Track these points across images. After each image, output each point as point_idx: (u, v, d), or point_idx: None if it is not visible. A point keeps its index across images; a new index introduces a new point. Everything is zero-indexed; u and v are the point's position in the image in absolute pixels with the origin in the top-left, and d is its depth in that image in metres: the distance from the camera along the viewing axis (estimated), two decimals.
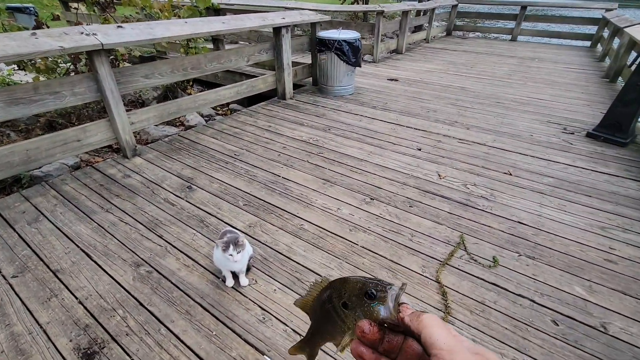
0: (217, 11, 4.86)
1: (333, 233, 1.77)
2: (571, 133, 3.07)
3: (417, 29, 8.77)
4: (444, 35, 9.10)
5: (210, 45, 5.56)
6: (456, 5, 8.77)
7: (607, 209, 2.01)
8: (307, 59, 4.41)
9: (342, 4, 11.61)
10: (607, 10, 7.11)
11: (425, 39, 7.91)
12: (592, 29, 7.64)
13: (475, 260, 1.61)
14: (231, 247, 1.33)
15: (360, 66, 3.97)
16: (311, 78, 4.39)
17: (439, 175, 2.33)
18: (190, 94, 5.03)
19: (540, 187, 2.22)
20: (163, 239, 1.70)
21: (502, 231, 1.81)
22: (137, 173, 2.29)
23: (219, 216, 1.88)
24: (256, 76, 3.82)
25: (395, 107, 3.65)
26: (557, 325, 1.31)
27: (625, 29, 4.40)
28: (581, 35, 7.89)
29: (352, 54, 3.72)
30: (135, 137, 3.40)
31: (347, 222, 1.86)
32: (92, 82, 2.16)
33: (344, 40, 3.62)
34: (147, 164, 2.41)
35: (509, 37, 8.42)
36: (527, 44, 7.99)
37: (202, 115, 4.56)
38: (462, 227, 1.84)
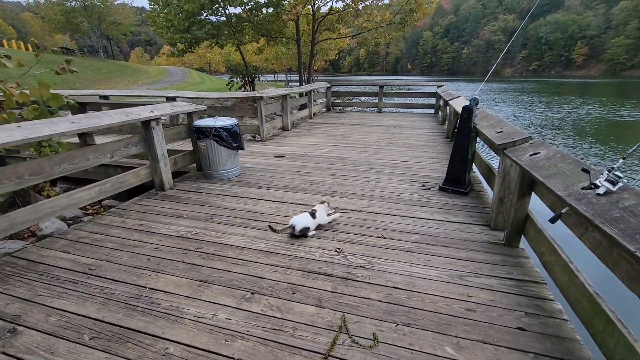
0: (82, 105, 4.52)
1: (205, 350, 1.53)
2: (428, 189, 3.59)
3: (303, 106, 9.77)
4: (325, 111, 10.32)
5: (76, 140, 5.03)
6: (330, 87, 10.21)
7: (462, 256, 2.29)
8: (188, 146, 4.33)
9: (230, 88, 12.35)
10: (439, 86, 9.24)
11: (308, 116, 8.79)
12: (432, 100, 9.75)
13: (357, 343, 1.56)
14: None
15: (243, 149, 4.06)
16: (195, 164, 4.28)
17: (336, 250, 2.35)
18: (49, 196, 4.30)
19: (409, 245, 2.43)
20: None
21: (380, 301, 1.85)
22: None
23: None
24: (135, 167, 3.53)
25: (281, 184, 3.76)
26: None
27: (449, 102, 5.71)
28: (426, 105, 9.95)
29: (231, 139, 3.80)
30: None
31: (223, 330, 1.65)
32: None
33: (221, 128, 3.70)
34: None
35: (376, 109, 10.06)
36: (390, 114, 9.64)
37: (64, 219, 3.89)
38: (344, 305, 1.82)
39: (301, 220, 2.56)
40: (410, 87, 12.51)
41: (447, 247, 2.42)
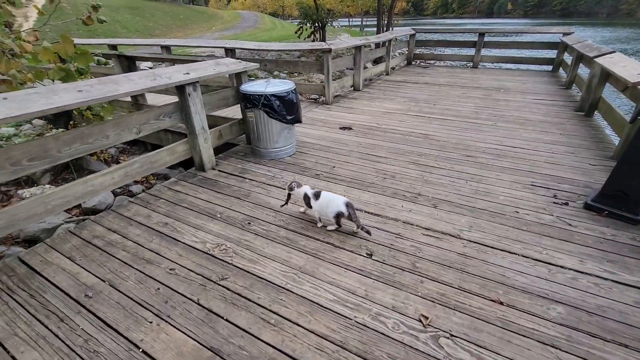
0: (129, 59, 4.04)
1: None
2: (565, 203, 2.37)
3: (378, 60, 8.36)
4: (404, 64, 8.72)
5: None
6: (414, 35, 8.46)
7: None
8: (237, 112, 3.60)
9: (298, 36, 11.22)
10: (565, 34, 6.91)
11: (385, 71, 7.41)
12: (550, 53, 7.45)
13: None
14: None
15: (300, 122, 3.21)
16: (245, 135, 3.59)
17: (421, 319, 1.50)
18: (100, 159, 4.09)
19: (550, 331, 1.43)
20: None
21: None
22: None
23: None
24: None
25: (344, 173, 2.88)
26: None
27: (596, 59, 3.94)
28: (541, 59, 7.69)
29: (286, 110, 2.96)
30: None
31: None
32: None
33: (273, 95, 2.86)
34: None
35: (471, 63, 8.13)
36: (489, 70, 7.67)
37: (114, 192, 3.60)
38: None
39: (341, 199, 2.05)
40: (518, 34, 9.87)
41: (626, 346, 1.36)
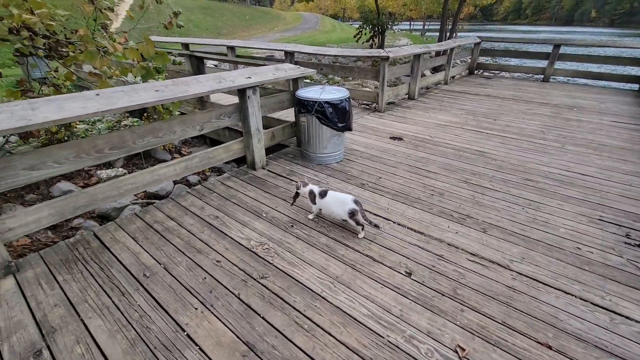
0: (198, 59, 4.37)
1: None
2: (639, 245, 2.11)
3: (437, 68, 8.08)
4: (465, 74, 8.32)
5: None
6: (479, 43, 8.03)
7: None
8: (291, 115, 3.73)
9: (357, 40, 11.23)
10: None
11: (443, 81, 7.14)
12: (637, 70, 6.61)
13: None
14: None
15: (350, 130, 3.23)
16: (296, 138, 3.70)
17: (457, 350, 1.46)
18: (169, 150, 4.48)
19: None
20: None
21: None
22: None
23: None
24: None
25: (390, 186, 2.84)
26: None
27: None
28: (627, 77, 6.85)
29: (337, 118, 3.00)
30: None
31: None
32: None
33: (326, 102, 2.92)
34: (12, 296, 1.72)
35: (541, 76, 7.50)
36: (562, 85, 7.03)
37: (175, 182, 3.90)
38: None
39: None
40: (602, 47, 8.89)
41: None
